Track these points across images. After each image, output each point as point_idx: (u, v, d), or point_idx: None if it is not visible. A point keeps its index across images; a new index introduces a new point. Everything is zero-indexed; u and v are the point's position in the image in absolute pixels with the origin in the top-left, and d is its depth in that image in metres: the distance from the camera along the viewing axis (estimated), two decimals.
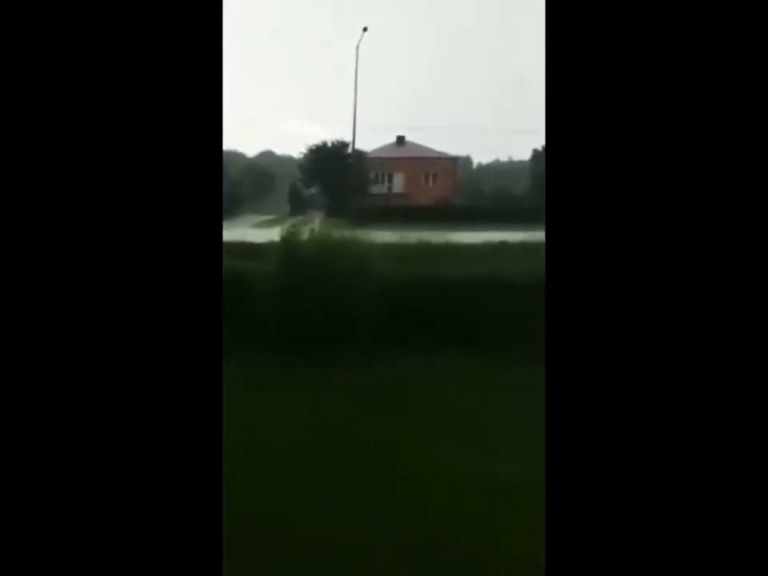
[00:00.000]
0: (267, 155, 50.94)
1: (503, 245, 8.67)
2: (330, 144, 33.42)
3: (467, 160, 51.47)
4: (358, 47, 28.11)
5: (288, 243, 5.52)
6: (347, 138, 30.96)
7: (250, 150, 51.41)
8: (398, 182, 37.07)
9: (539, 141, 36.02)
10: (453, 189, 34.73)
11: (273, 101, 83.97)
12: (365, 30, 27.89)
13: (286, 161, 43.49)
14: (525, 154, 43.56)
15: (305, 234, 5.70)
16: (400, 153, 38.08)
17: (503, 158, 57.80)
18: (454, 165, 37.12)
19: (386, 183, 36.91)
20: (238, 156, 43.15)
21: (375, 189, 35.26)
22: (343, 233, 5.83)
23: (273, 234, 6.06)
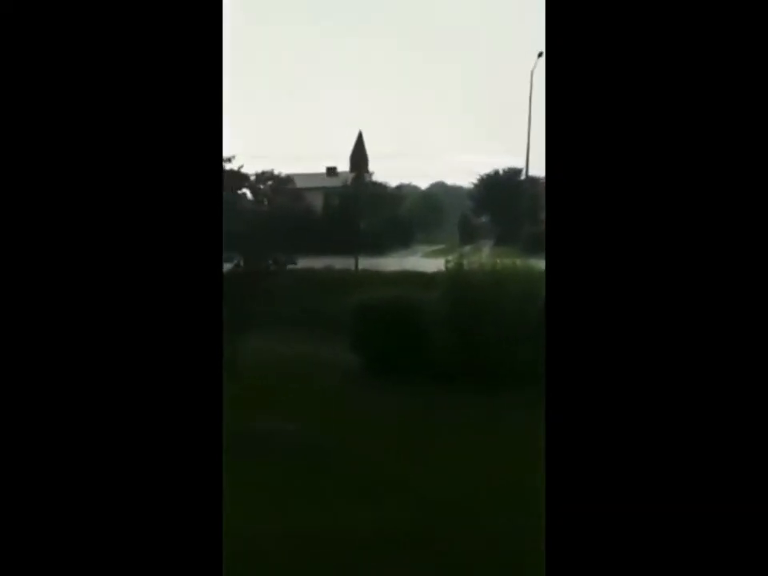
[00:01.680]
0: (439, 186, 52.14)
1: None
2: (501, 172, 33.37)
3: None
4: (532, 73, 27.95)
5: (454, 272, 5.64)
6: (520, 164, 30.72)
7: (423, 182, 53.13)
8: None
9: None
10: None
11: (444, 131, 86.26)
12: (540, 55, 27.57)
13: (457, 191, 44.18)
14: None
15: (471, 263, 5.79)
16: None
17: None
18: None
19: None
20: (411, 188, 44.78)
21: None
22: (513, 260, 5.82)
23: (442, 264, 6.26)
